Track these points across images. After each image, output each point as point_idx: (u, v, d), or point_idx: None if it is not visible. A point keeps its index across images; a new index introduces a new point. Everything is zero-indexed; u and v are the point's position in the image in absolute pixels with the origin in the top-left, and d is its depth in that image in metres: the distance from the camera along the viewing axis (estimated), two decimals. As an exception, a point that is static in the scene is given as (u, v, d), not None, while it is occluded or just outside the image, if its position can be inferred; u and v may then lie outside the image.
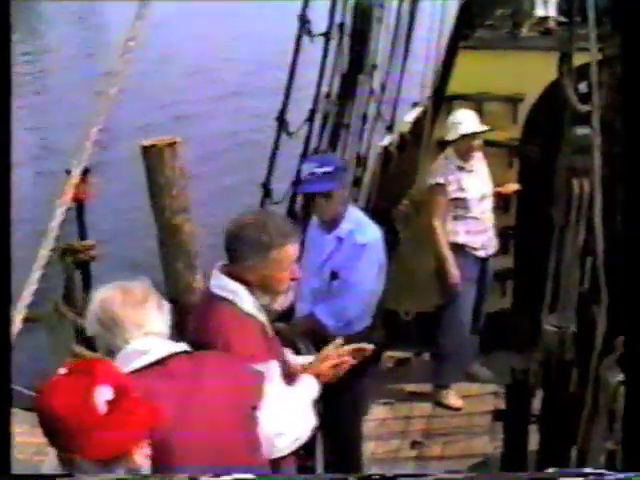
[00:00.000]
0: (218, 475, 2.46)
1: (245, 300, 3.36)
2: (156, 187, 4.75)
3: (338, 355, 3.56)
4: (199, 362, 2.98)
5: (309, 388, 3.49)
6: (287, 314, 4.79)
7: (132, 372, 2.78)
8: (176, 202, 4.76)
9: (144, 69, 18.50)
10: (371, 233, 4.72)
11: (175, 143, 4.72)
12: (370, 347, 3.68)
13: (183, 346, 3.01)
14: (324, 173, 4.65)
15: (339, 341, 3.62)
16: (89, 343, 4.61)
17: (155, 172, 4.72)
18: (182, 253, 4.78)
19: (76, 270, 4.62)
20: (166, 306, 3.07)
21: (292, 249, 3.41)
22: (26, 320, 3.26)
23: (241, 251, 3.36)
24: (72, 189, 3.50)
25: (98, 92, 3.34)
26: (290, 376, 3.47)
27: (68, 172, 3.71)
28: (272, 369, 3.32)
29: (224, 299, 3.37)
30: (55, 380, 2.26)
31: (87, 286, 4.75)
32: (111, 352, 2.95)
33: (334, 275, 4.70)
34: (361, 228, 4.70)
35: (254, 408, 3.02)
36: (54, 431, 2.22)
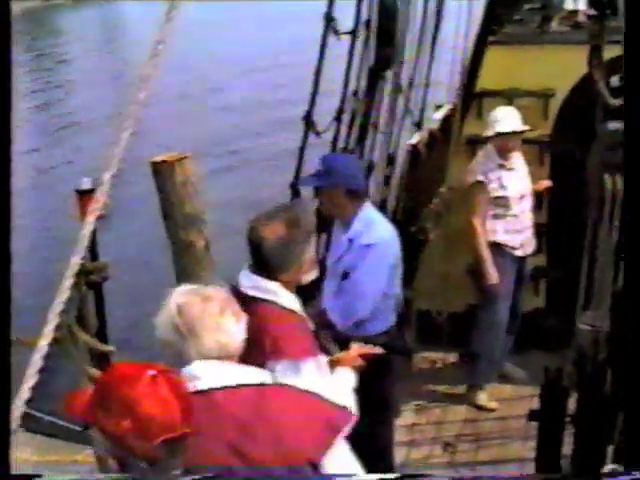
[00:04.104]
0: None
1: (286, 298, 3.46)
2: (168, 204, 4.72)
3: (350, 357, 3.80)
4: (253, 401, 2.72)
5: (348, 378, 3.66)
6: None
7: None
8: (189, 218, 4.74)
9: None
10: (379, 233, 4.67)
11: (185, 158, 4.69)
12: (376, 350, 3.89)
13: (244, 377, 2.80)
14: (319, 171, 4.68)
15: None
16: (102, 365, 4.57)
17: (166, 188, 4.70)
18: (196, 270, 4.74)
19: (89, 291, 4.56)
20: (244, 316, 2.92)
21: (314, 245, 3.63)
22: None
23: (267, 263, 3.50)
24: (101, 199, 3.44)
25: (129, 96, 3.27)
26: None
27: (79, 192, 3.64)
28: (322, 363, 3.51)
29: (263, 300, 3.45)
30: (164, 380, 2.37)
31: (100, 308, 4.70)
32: (178, 361, 2.80)
33: (346, 275, 4.71)
34: (368, 229, 4.67)
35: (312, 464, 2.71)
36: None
